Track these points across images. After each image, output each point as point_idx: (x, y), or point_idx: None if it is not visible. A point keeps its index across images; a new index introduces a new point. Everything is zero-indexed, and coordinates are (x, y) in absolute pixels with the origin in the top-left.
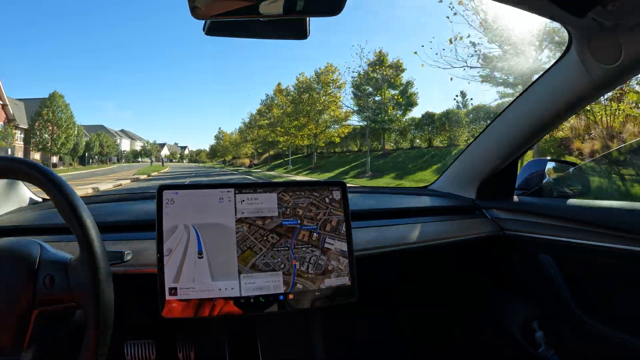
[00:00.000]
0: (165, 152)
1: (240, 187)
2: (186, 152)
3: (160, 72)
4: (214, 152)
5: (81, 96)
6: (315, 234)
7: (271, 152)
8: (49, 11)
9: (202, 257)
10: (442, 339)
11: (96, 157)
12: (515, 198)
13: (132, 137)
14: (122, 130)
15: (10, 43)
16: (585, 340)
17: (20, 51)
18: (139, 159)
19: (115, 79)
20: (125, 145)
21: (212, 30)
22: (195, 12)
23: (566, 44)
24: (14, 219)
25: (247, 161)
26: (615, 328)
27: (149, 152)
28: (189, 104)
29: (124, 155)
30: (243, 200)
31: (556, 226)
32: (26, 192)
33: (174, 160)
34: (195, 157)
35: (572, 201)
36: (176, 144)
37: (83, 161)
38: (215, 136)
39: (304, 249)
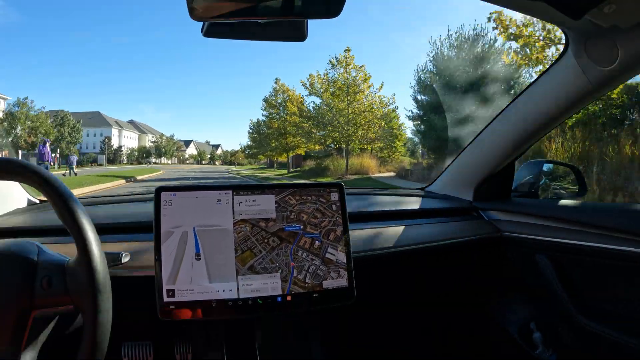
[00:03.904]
0: (191, 151)
1: (238, 189)
2: (219, 151)
3: (197, 73)
4: (258, 143)
5: (120, 99)
6: (317, 242)
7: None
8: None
9: (200, 259)
10: (439, 340)
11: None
12: (512, 200)
13: (142, 130)
14: (131, 121)
15: (55, 52)
16: (583, 340)
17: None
18: (150, 160)
19: (153, 82)
20: (131, 140)
21: (210, 32)
22: (193, 13)
23: (563, 46)
24: (11, 220)
25: (372, 165)
26: (612, 328)
27: (164, 150)
28: (225, 105)
29: (126, 154)
30: (241, 202)
31: (553, 227)
32: (23, 194)
33: (202, 162)
34: (230, 157)
35: (568, 202)
36: (207, 142)
37: None
38: (264, 103)
39: (304, 256)
